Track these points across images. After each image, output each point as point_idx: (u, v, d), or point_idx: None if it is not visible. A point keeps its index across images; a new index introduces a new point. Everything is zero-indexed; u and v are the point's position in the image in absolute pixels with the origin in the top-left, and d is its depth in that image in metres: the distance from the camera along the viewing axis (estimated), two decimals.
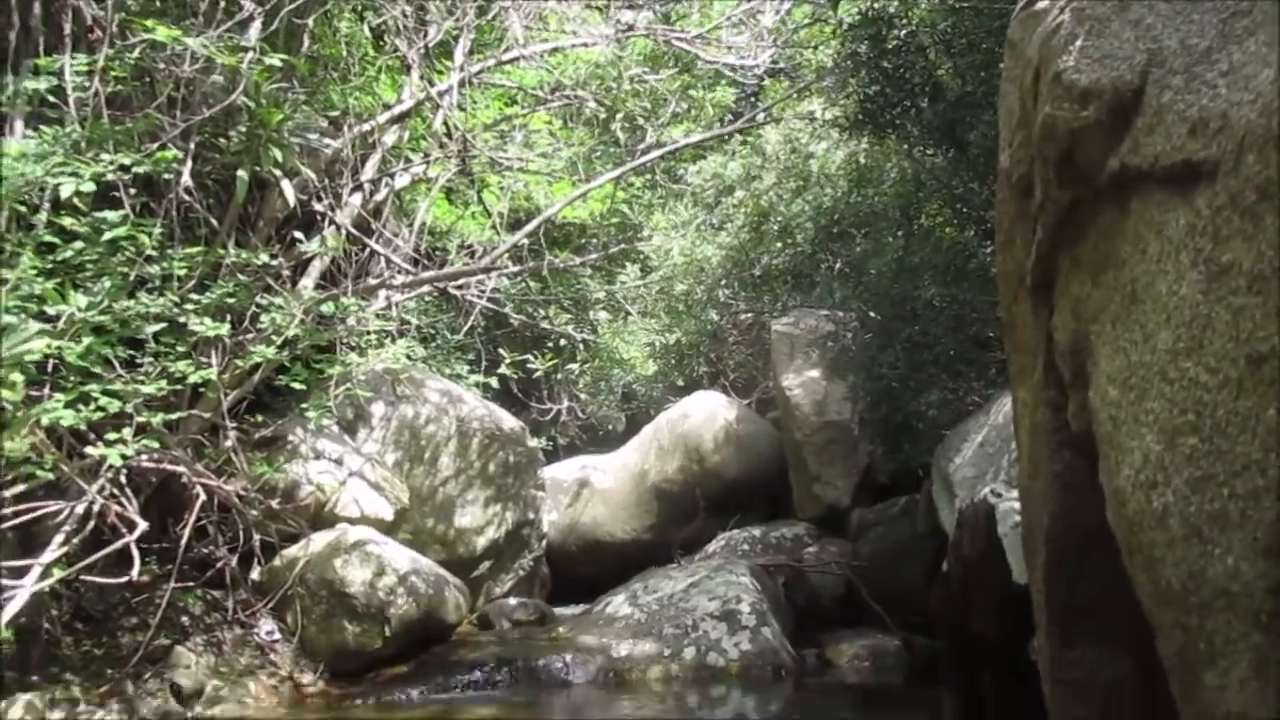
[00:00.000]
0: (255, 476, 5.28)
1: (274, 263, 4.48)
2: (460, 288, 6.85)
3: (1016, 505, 3.30)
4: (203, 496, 4.57)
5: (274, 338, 4.55)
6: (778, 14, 7.31)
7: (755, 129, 8.65)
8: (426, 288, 6.48)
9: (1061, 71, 1.84)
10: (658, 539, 8.63)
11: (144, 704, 5.12)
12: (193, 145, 4.43)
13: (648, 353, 10.64)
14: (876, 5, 5.86)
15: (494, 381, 8.14)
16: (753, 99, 9.60)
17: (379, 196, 6.22)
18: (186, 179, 4.38)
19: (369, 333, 5.30)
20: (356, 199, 5.96)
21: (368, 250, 5.92)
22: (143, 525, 4.12)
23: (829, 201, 9.05)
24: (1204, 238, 1.55)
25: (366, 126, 6.11)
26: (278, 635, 6.01)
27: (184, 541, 4.61)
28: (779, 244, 9.52)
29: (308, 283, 5.64)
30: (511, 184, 7.93)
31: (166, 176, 4.40)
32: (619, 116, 7.41)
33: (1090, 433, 1.91)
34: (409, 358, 6.63)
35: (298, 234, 5.02)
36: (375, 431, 7.09)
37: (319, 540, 6.25)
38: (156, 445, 4.11)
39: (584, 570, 8.61)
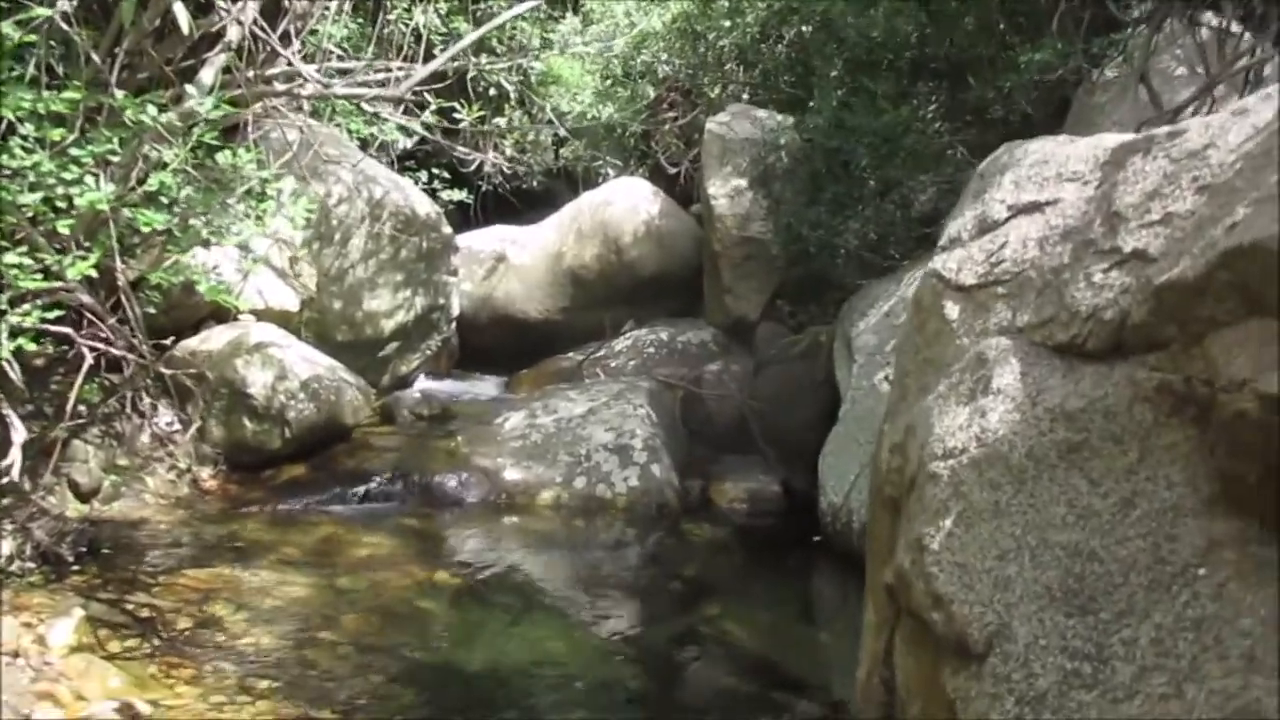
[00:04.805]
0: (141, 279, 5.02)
1: (164, 116, 4.05)
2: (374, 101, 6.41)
3: None
4: (89, 361, 4.42)
5: (163, 200, 4.23)
6: None
7: None
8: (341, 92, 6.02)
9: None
10: (570, 321, 8.73)
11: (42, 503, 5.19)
12: None
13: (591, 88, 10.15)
14: None
15: (417, 126, 7.75)
16: None
17: None
18: (64, 4, 3.88)
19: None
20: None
21: (266, 54, 5.39)
22: (21, 434, 4.00)
23: None
24: None
25: None
26: (177, 426, 6.06)
27: (77, 385, 4.49)
28: (727, 22, 8.98)
29: (207, 77, 5.18)
30: None
31: None
32: None
33: None
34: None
35: (188, 87, 4.53)
36: (284, 209, 6.82)
37: (220, 336, 6.19)
38: (34, 346, 3.92)
39: (494, 343, 8.74)
